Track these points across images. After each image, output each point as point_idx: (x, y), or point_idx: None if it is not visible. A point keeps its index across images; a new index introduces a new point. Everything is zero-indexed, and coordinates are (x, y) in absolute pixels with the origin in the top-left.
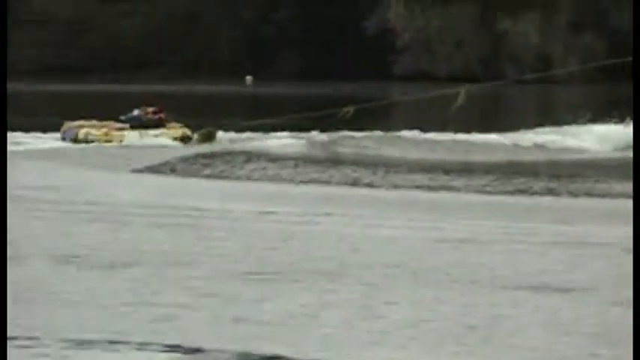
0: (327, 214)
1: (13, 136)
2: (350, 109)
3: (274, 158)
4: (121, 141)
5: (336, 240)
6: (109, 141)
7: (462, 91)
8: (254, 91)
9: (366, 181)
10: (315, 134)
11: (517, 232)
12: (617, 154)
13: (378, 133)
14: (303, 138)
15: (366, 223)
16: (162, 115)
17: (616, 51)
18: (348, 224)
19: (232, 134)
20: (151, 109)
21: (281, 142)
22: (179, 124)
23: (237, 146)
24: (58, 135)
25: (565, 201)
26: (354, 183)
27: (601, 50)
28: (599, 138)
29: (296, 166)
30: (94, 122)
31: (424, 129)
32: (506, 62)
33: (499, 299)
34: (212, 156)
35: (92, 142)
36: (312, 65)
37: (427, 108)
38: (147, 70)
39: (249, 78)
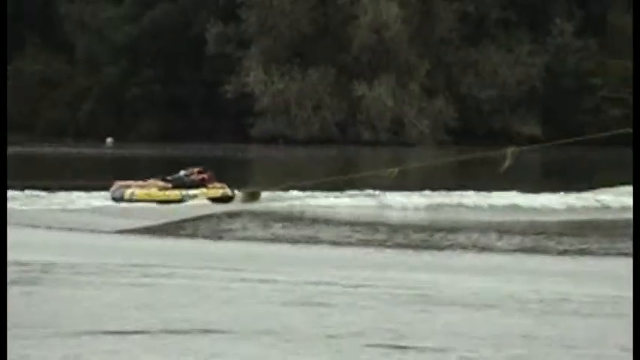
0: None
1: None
2: (394, 170)
3: (319, 220)
4: (160, 201)
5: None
6: (151, 200)
7: (509, 152)
8: (113, 153)
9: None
10: (369, 193)
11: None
12: None
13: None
14: (358, 196)
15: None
16: (205, 176)
17: (466, 115)
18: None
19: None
20: (196, 169)
21: (341, 201)
22: (220, 185)
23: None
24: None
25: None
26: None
27: (451, 114)
28: None
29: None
30: (140, 182)
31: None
32: (361, 125)
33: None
34: (217, 216)
35: (136, 201)
36: (172, 127)
37: (465, 169)
38: (10, 133)
39: (109, 140)
